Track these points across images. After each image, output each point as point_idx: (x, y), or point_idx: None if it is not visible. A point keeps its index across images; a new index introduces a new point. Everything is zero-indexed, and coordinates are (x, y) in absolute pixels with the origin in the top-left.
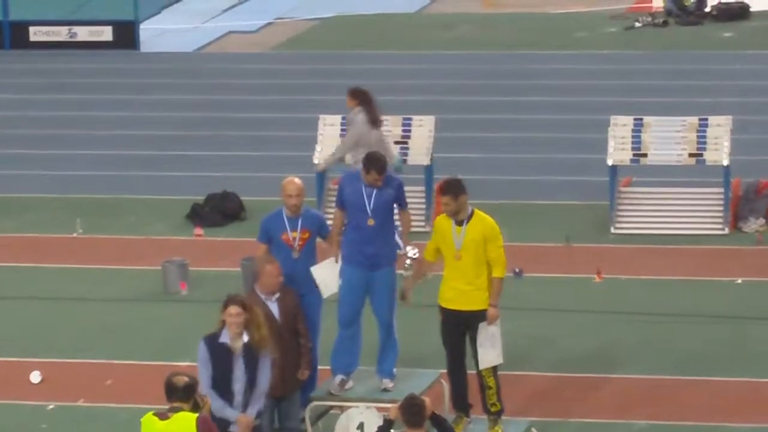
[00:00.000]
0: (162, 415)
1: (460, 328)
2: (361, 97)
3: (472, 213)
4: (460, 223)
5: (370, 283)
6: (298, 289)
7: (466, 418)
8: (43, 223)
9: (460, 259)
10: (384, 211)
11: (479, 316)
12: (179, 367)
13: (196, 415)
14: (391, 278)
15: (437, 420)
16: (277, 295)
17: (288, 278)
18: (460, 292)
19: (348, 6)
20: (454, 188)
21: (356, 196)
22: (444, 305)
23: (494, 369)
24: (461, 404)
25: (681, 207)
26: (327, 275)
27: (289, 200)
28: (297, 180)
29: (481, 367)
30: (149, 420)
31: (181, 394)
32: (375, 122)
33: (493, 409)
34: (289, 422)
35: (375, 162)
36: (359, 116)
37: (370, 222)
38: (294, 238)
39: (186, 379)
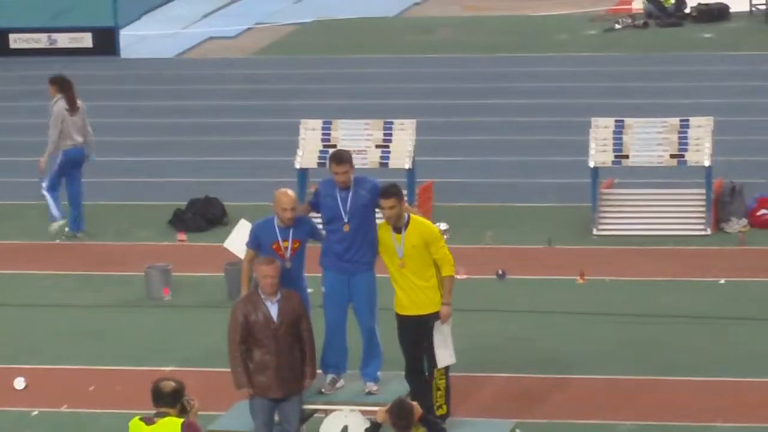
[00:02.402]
0: (148, 420)
1: (416, 333)
2: (60, 84)
3: (409, 219)
4: (398, 231)
5: (351, 289)
6: None
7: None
8: (24, 231)
9: (404, 266)
10: (360, 216)
11: (434, 318)
12: (163, 372)
13: (182, 420)
14: (371, 283)
15: (427, 423)
16: (278, 297)
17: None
18: (410, 298)
19: (328, 10)
20: (397, 192)
21: (332, 202)
22: (399, 312)
23: (446, 371)
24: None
25: (663, 208)
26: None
27: (285, 213)
28: (290, 192)
29: (439, 366)
30: (136, 425)
31: (167, 399)
32: (72, 107)
33: (438, 412)
34: (287, 425)
35: (333, 156)
36: (58, 104)
37: (346, 228)
38: (285, 248)
39: (173, 384)
